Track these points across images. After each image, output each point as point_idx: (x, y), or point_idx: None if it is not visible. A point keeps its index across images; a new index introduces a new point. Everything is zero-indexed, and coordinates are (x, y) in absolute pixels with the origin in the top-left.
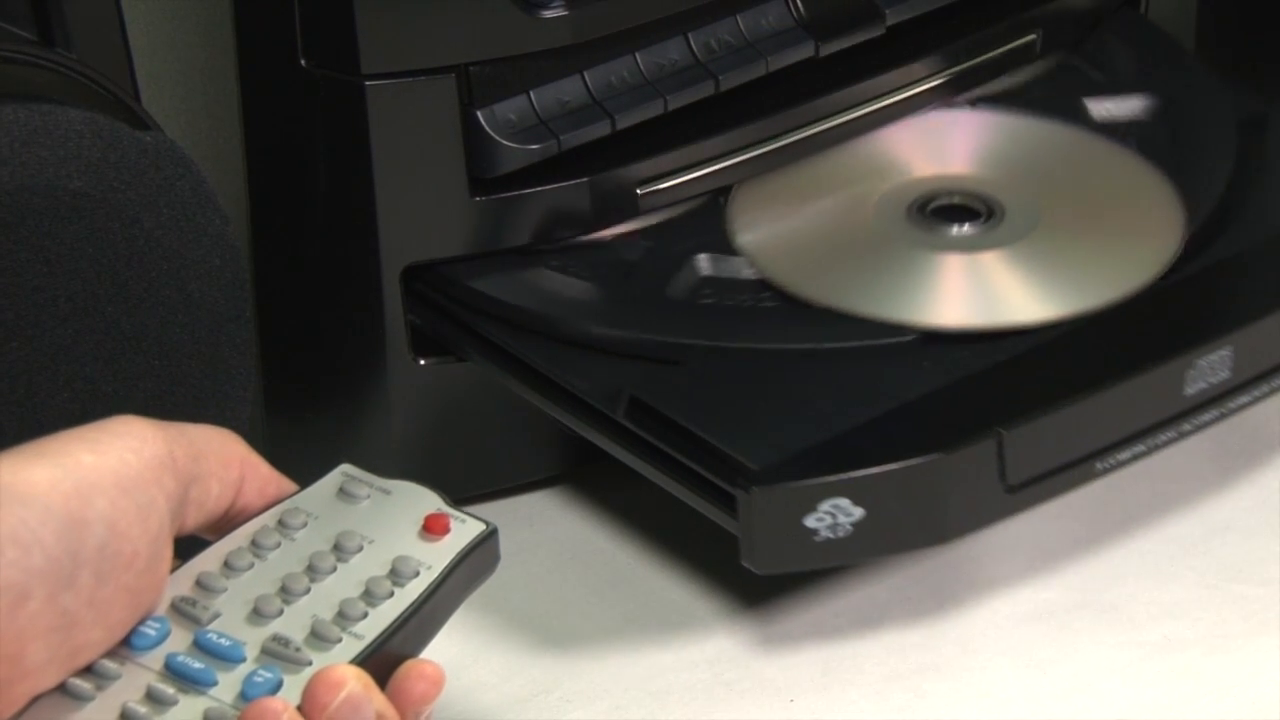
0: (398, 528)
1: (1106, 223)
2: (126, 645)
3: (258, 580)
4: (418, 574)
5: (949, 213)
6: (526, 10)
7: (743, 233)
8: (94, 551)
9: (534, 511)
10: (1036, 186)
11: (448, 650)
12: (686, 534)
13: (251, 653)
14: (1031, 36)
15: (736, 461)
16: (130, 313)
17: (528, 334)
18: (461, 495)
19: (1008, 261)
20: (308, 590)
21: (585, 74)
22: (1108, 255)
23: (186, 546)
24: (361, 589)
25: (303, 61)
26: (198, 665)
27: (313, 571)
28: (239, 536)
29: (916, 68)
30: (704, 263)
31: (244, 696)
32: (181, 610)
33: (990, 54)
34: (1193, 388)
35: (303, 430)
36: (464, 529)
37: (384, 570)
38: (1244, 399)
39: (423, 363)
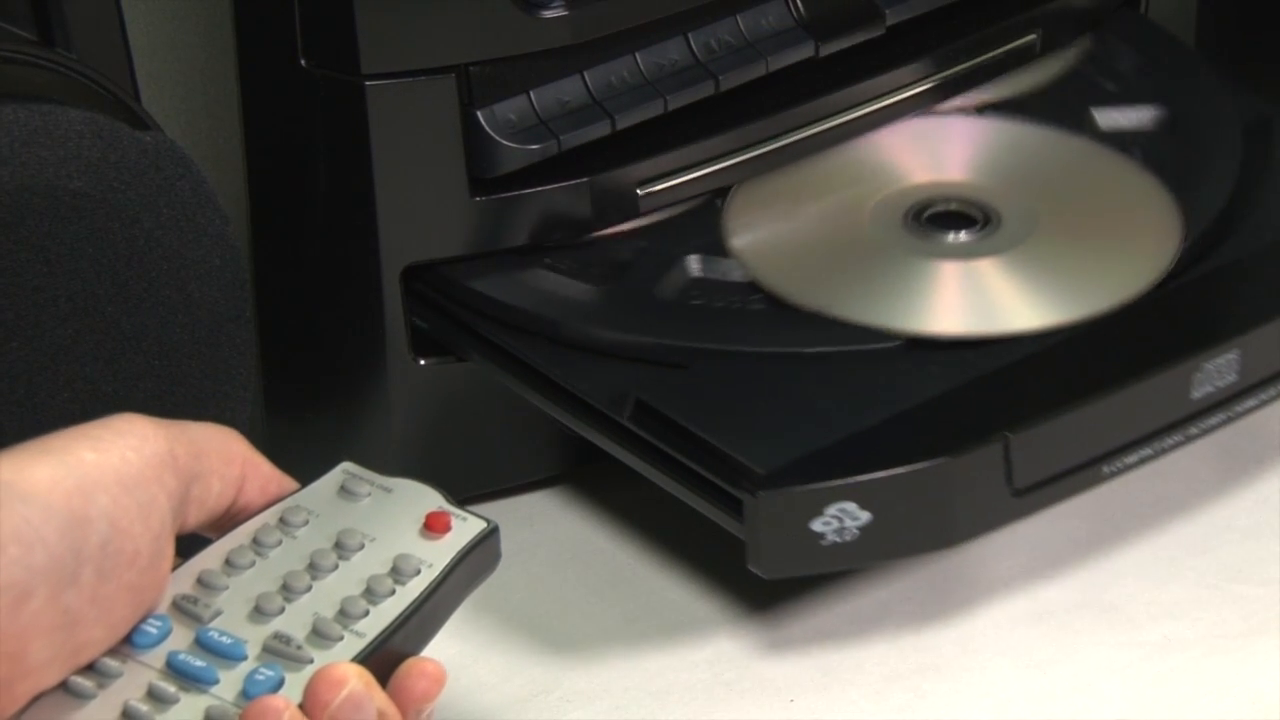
0: (399, 526)
1: (1102, 230)
2: (128, 643)
3: (259, 578)
4: (419, 572)
5: (945, 220)
6: (526, 10)
7: (737, 236)
8: (96, 549)
9: (534, 511)
10: (1032, 193)
11: (448, 650)
12: (687, 534)
13: (253, 651)
14: (1031, 36)
15: (743, 465)
16: (130, 313)
17: (531, 336)
18: (461, 495)
19: (1003, 269)
20: (309, 588)
21: (585, 74)
22: (1103, 263)
23: (188, 545)
24: (363, 587)
25: (303, 61)
26: (199, 663)
27: (314, 569)
28: (240, 534)
29: (916, 68)
30: (694, 264)
31: (245, 695)
32: (183, 608)
33: (990, 54)
34: (1199, 391)
35: (303, 430)
36: (465, 527)
37: (385, 568)
38: (1251, 403)
39: (423, 363)
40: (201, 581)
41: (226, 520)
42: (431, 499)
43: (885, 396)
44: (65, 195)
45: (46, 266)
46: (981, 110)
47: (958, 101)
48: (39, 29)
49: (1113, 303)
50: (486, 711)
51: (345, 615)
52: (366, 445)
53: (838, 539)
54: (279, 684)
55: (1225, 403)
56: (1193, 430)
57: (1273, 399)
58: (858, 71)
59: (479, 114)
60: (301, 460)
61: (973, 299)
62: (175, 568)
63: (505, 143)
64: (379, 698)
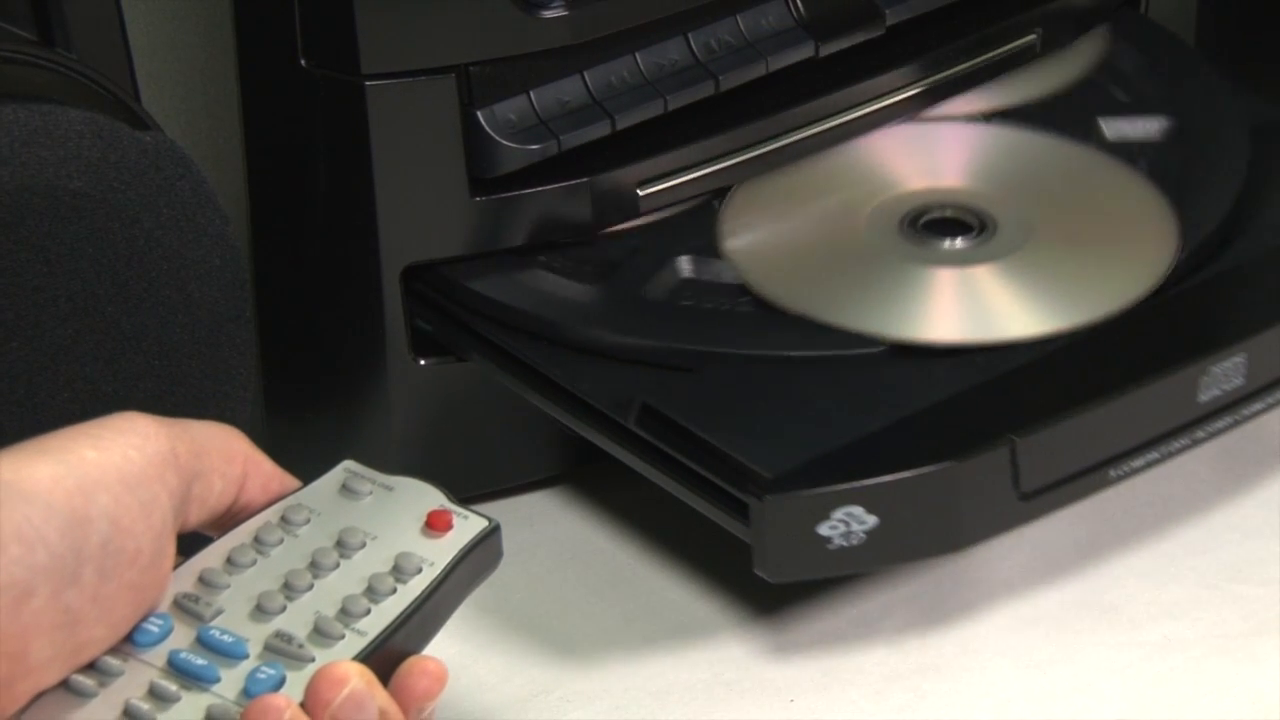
0: (400, 524)
1: (1099, 237)
2: (129, 642)
3: (260, 577)
4: (420, 570)
5: (941, 226)
6: (526, 10)
7: (732, 238)
8: (97, 548)
9: (534, 511)
10: (1029, 200)
11: (448, 650)
12: (687, 534)
13: (254, 649)
14: (1031, 37)
15: (749, 469)
16: (130, 313)
17: (534, 338)
18: (461, 495)
19: (999, 276)
20: (310, 587)
21: (585, 74)
22: (1099, 270)
23: (189, 543)
24: (364, 585)
25: (303, 61)
26: (200, 662)
27: (315, 568)
28: (242, 533)
29: (916, 68)
30: (685, 265)
31: (247, 693)
32: (184, 607)
33: (990, 54)
34: (1206, 395)
35: (303, 430)
36: (466, 525)
37: (387, 567)
38: (1257, 406)
39: (423, 363)
40: (203, 580)
41: (228, 519)
42: (433, 497)
43: (892, 400)
44: (65, 195)
45: (46, 266)
46: (989, 118)
47: (964, 107)
48: (39, 29)
49: (1109, 310)
50: (486, 711)
51: (347, 614)
52: (366, 445)
53: (844, 543)
54: (280, 682)
55: (1232, 406)
56: (1199, 434)
57: (1279, 402)
58: (858, 71)
59: (479, 114)
60: (301, 460)
61: (968, 306)
62: (176, 566)
63: (505, 143)
64: (380, 696)
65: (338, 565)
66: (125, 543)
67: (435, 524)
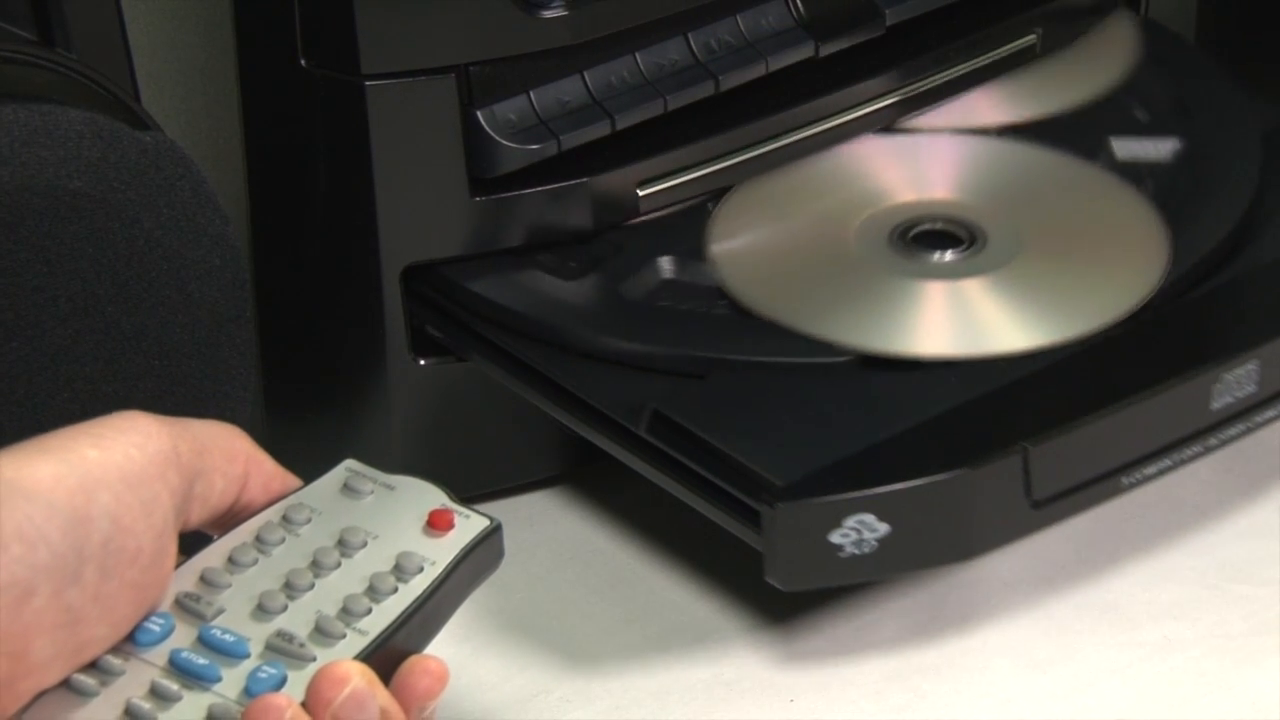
0: (402, 523)
1: (1089, 250)
2: (131, 641)
3: (262, 576)
4: (422, 569)
5: (930, 239)
6: (526, 10)
7: (718, 243)
8: (99, 547)
9: (534, 511)
10: (1019, 213)
11: (449, 650)
12: (687, 534)
13: (256, 648)
14: (1031, 37)
15: (761, 477)
16: (130, 313)
17: (541, 343)
18: (462, 495)
19: (989, 289)
20: (312, 586)
21: (585, 74)
22: (1091, 283)
23: (190, 542)
24: (365, 585)
25: (303, 61)
26: (202, 661)
27: (317, 567)
28: (243, 532)
29: (916, 68)
30: (666, 266)
31: (248, 692)
32: (186, 606)
33: (990, 54)
34: (1219, 402)
35: (303, 430)
36: (468, 524)
37: (388, 566)
38: (1270, 413)
39: (423, 363)
40: (204, 579)
41: (229, 518)
42: (434, 497)
43: (904, 408)
44: (65, 195)
45: (46, 266)
46: (1001, 133)
47: (979, 120)
48: (39, 29)
49: (1099, 324)
50: (486, 711)
51: (348, 613)
52: (366, 445)
53: (856, 551)
54: (281, 682)
55: (1245, 413)
56: (1212, 441)
57: None
58: (858, 72)
59: (479, 114)
60: (302, 460)
61: (958, 319)
62: (178, 565)
63: (505, 143)
64: (382, 696)
65: (339, 564)
66: (127, 541)
67: (437, 523)
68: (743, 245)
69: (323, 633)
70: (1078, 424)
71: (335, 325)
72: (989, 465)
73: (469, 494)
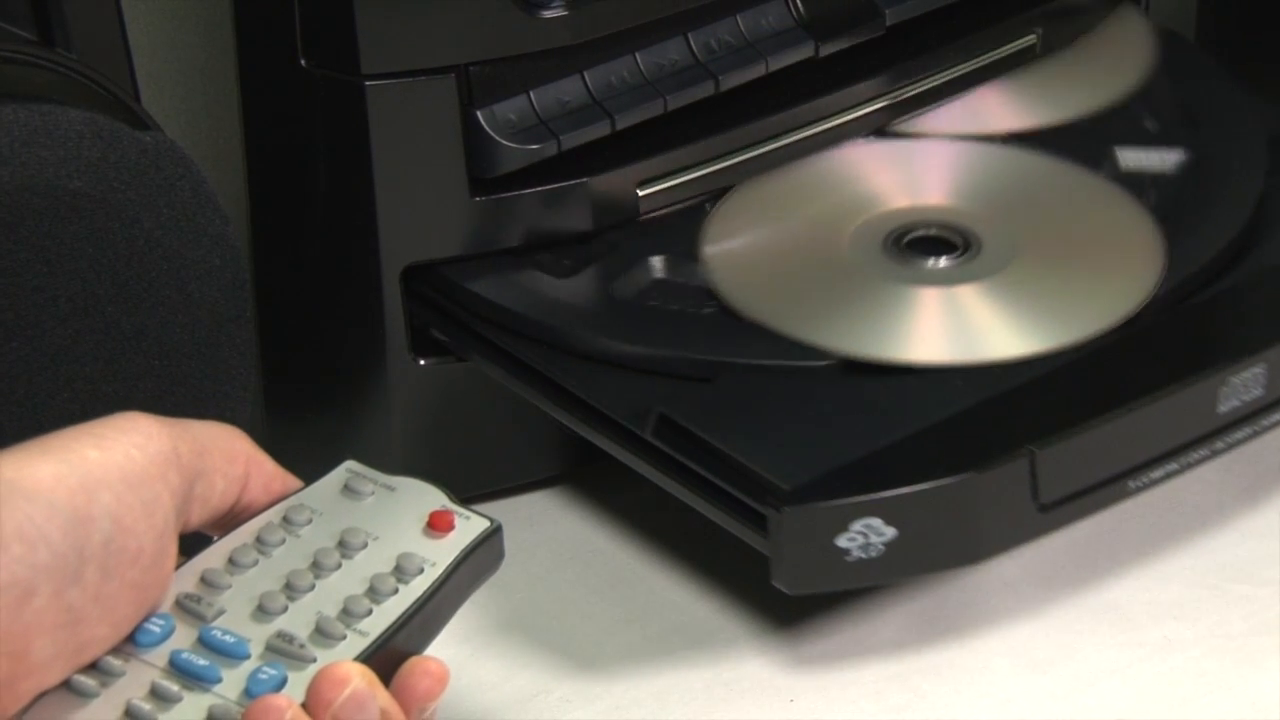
0: (402, 524)
1: (1084, 256)
2: (131, 642)
3: (262, 577)
4: (422, 570)
5: (925, 245)
6: (526, 10)
7: (711, 244)
8: (99, 547)
9: (534, 511)
10: (1014, 219)
11: (449, 650)
12: (687, 535)
13: (256, 649)
14: (1031, 37)
15: (767, 481)
16: (130, 313)
17: (543, 346)
18: (462, 495)
19: (984, 295)
20: (312, 587)
21: (585, 74)
22: (1085, 289)
23: (191, 543)
24: (366, 586)
25: (303, 61)
26: (202, 662)
27: (317, 568)
28: (243, 533)
29: (916, 68)
30: (658, 266)
31: (248, 693)
32: (186, 607)
33: (990, 54)
34: (1226, 405)
35: (303, 430)
36: (468, 525)
37: (388, 567)
38: (1277, 416)
39: (423, 363)
40: (205, 580)
41: (230, 519)
42: (435, 498)
43: (910, 412)
44: (65, 195)
45: (46, 266)
46: (1007, 140)
47: (986, 127)
48: (39, 29)
49: (1094, 330)
50: (486, 711)
51: (348, 614)
52: (366, 445)
53: (863, 555)
54: (282, 683)
55: (1251, 417)
56: (1219, 445)
57: None
58: (858, 72)
59: (479, 114)
60: (302, 460)
61: (953, 326)
62: (178, 566)
63: (505, 143)
64: (382, 697)
65: (339, 565)
66: (127, 542)
67: (437, 524)
68: (737, 248)
69: (323, 634)
70: (1085, 427)
71: (335, 325)
72: (996, 469)
73: (469, 494)
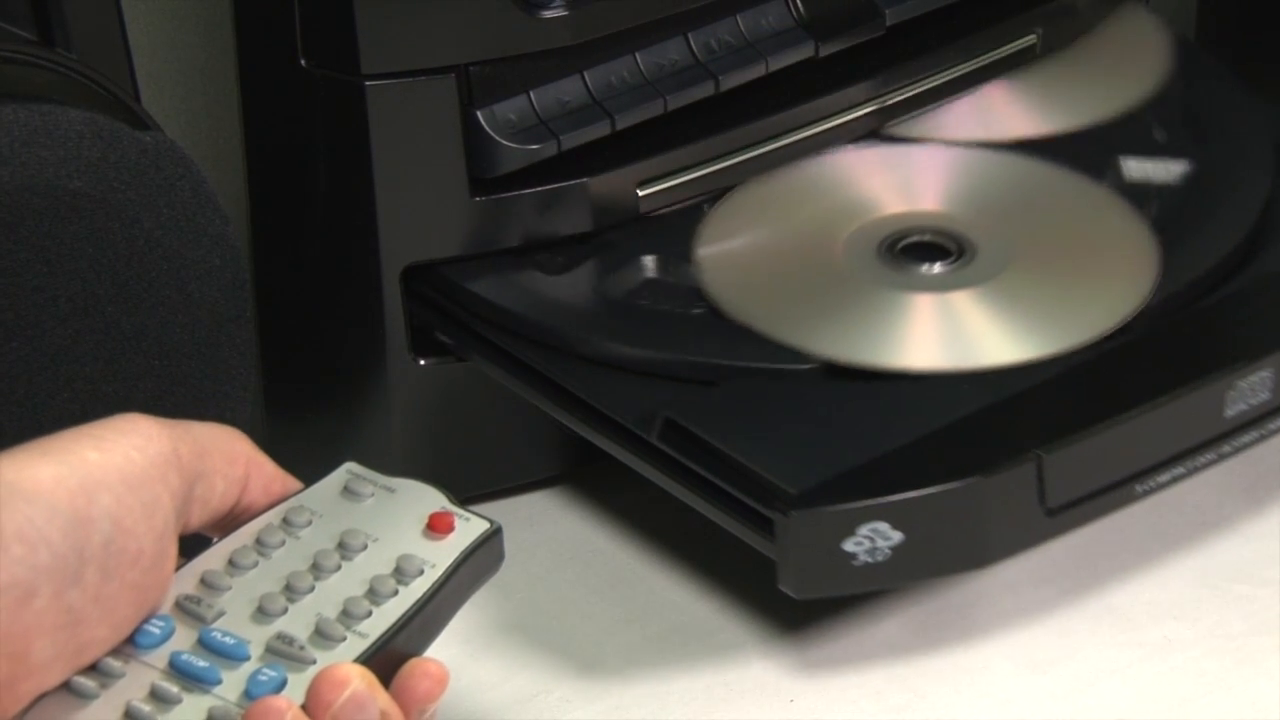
0: (402, 526)
1: (1079, 262)
2: (131, 643)
3: (262, 579)
4: (422, 572)
5: (919, 251)
6: (526, 10)
7: (705, 247)
8: (99, 548)
9: (534, 511)
10: (1008, 225)
11: (449, 650)
12: (687, 535)
13: (256, 651)
14: (1031, 37)
15: (774, 485)
16: (130, 313)
17: (541, 346)
18: (461, 495)
19: (978, 301)
20: (312, 588)
21: (585, 74)
22: (1080, 295)
23: (191, 545)
24: (366, 587)
25: (303, 61)
26: (202, 663)
27: (317, 570)
28: (243, 535)
29: (916, 68)
30: (649, 265)
31: (248, 695)
32: (186, 608)
33: (990, 54)
34: (1233, 409)
35: (303, 430)
36: (468, 527)
37: (388, 568)
38: None
39: (423, 363)
40: (205, 582)
41: (230, 520)
42: (435, 499)
43: (917, 416)
44: (65, 195)
45: (46, 266)
46: (1012, 148)
47: (997, 136)
48: (39, 29)
49: (1088, 337)
50: (486, 711)
51: (348, 616)
52: (366, 445)
53: (870, 559)
54: (282, 684)
55: (1258, 420)
56: (1226, 448)
57: None
58: (858, 72)
59: (479, 114)
60: (301, 460)
61: (946, 332)
62: (178, 568)
63: (505, 143)
64: (382, 698)
65: (339, 567)
66: (127, 543)
67: (437, 526)
68: (731, 251)
69: (323, 635)
70: (1092, 431)
71: (335, 325)
72: (1003, 473)
73: (469, 494)
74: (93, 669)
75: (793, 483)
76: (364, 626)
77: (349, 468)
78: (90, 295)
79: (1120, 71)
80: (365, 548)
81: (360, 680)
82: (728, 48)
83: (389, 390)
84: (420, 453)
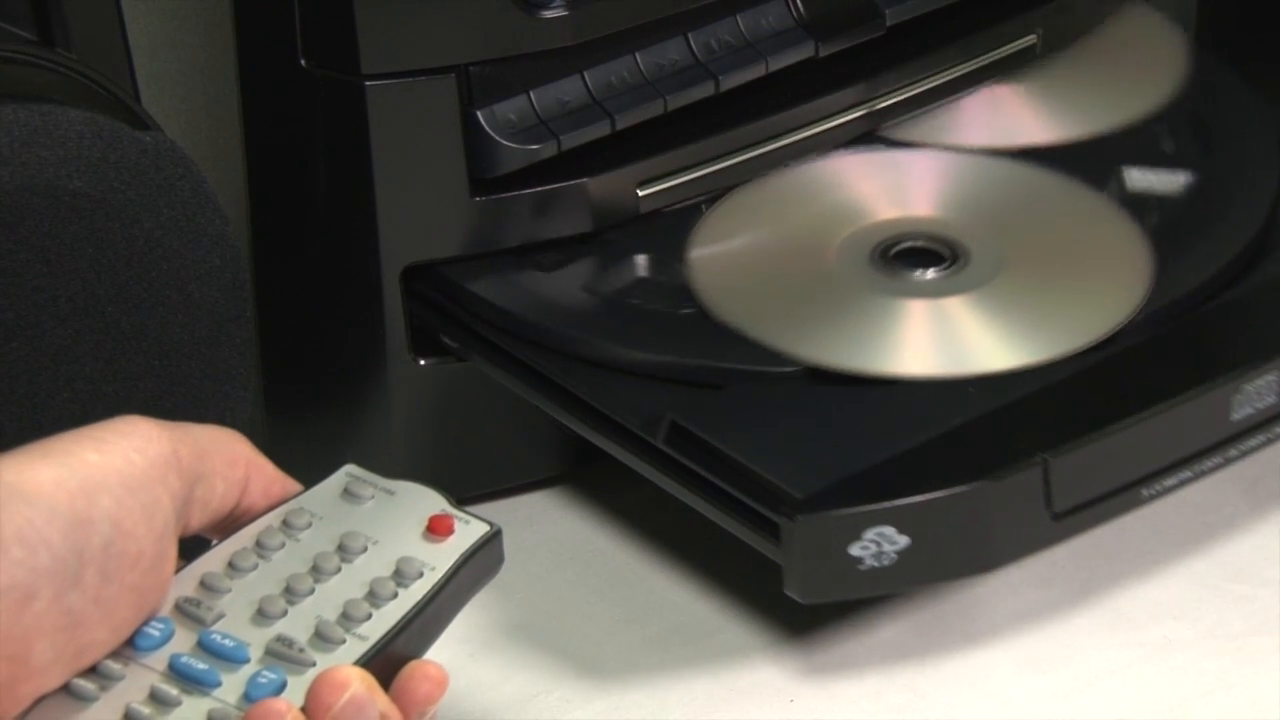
0: (402, 528)
1: (1072, 268)
2: (131, 646)
3: (262, 581)
4: (422, 575)
5: (912, 257)
6: (526, 10)
7: (699, 248)
8: (99, 550)
9: (534, 511)
10: (1002, 230)
11: (448, 650)
12: (687, 535)
13: (255, 653)
14: (1032, 37)
15: (780, 489)
16: (130, 313)
17: (540, 347)
18: (461, 495)
19: (971, 307)
20: (312, 591)
21: (585, 74)
22: (1074, 300)
23: (191, 547)
24: (365, 590)
25: (303, 61)
26: (201, 666)
27: (317, 572)
28: (243, 537)
29: (916, 68)
30: (641, 265)
31: (248, 697)
32: (186, 611)
33: (990, 54)
34: (1239, 413)
35: (303, 430)
36: (468, 530)
37: (388, 571)
38: None
39: (423, 363)
40: (204, 584)
41: (229, 522)
42: (435, 502)
43: (923, 420)
44: (65, 195)
45: (46, 266)
46: (1016, 156)
47: (1000, 143)
48: (39, 29)
49: (1082, 343)
50: (486, 712)
51: (348, 618)
52: (366, 445)
53: (876, 563)
54: (281, 687)
55: (1265, 424)
56: (1232, 452)
57: None
58: (858, 72)
59: (479, 114)
60: (301, 460)
61: (939, 338)
62: (178, 570)
63: (505, 143)
64: (381, 701)
65: (339, 569)
66: (127, 545)
67: (437, 529)
68: (724, 254)
69: (322, 638)
70: (1098, 436)
71: (335, 325)
72: (1009, 477)
73: (469, 494)
74: (92, 671)
75: (799, 487)
76: (364, 629)
77: (349, 470)
78: (90, 295)
79: (1129, 77)
80: (365, 550)
81: (360, 683)
82: (728, 48)
83: (389, 390)
84: (420, 453)
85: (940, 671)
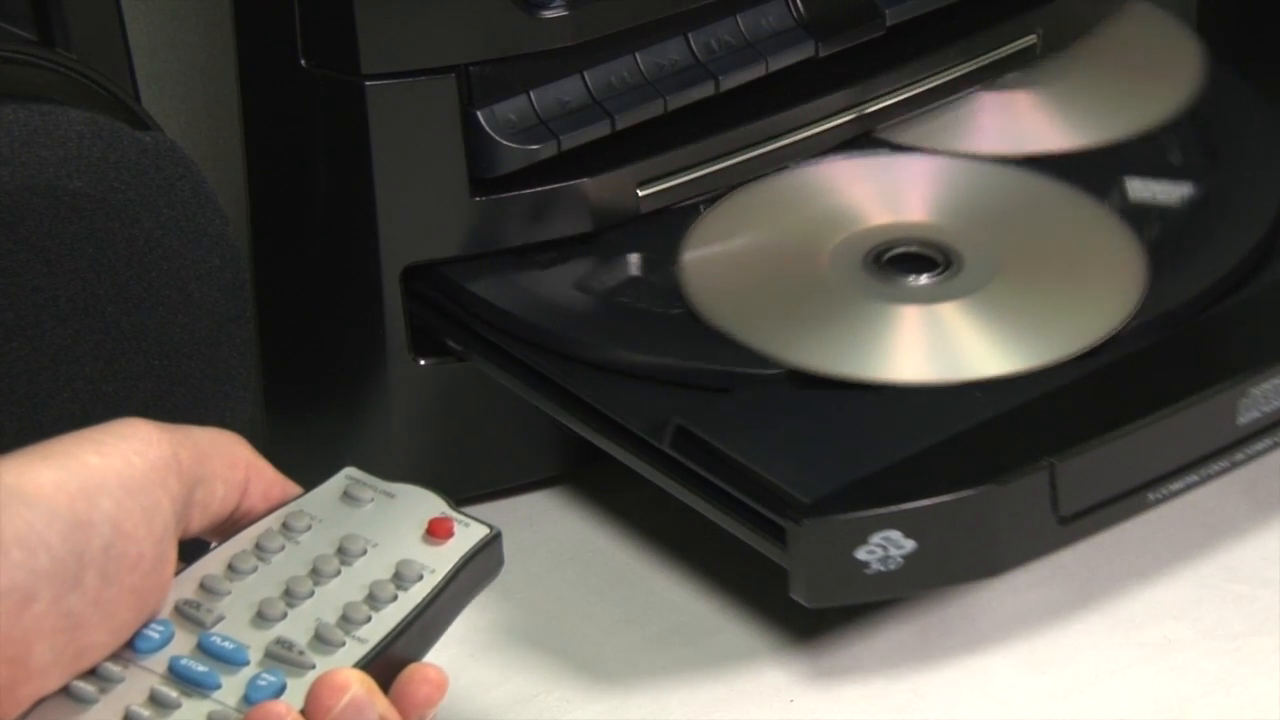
0: (401, 531)
1: (1066, 273)
2: (130, 648)
3: (261, 583)
4: (421, 577)
5: (905, 262)
6: (526, 10)
7: (692, 250)
8: (99, 553)
9: (534, 511)
10: (995, 236)
11: (447, 651)
12: (687, 535)
13: (255, 656)
14: (1032, 37)
15: (786, 493)
16: (130, 313)
17: (539, 348)
18: (461, 495)
19: (965, 313)
20: (311, 593)
21: (585, 74)
22: (1068, 306)
23: (190, 549)
24: (365, 592)
25: (303, 61)
26: (201, 668)
27: (316, 575)
28: (243, 539)
29: (916, 68)
30: (634, 265)
31: (247, 700)
32: (185, 613)
33: (990, 55)
34: (1246, 417)
35: (303, 431)
36: (468, 532)
37: (388, 574)
38: None
39: (423, 363)
40: (204, 586)
41: (229, 525)
42: (434, 504)
43: (929, 424)
44: (65, 195)
45: (46, 266)
46: (1021, 164)
47: (1002, 150)
48: (39, 29)
49: (1076, 348)
50: (485, 712)
51: (347, 621)
52: (366, 446)
53: (882, 568)
54: (281, 689)
55: (1272, 428)
56: (1239, 456)
57: None
58: (858, 72)
59: (479, 114)
60: (301, 461)
61: (932, 344)
62: (178, 573)
63: (505, 143)
64: (381, 703)
65: (339, 572)
66: (127, 547)
67: (436, 531)
68: (716, 258)
69: (322, 640)
70: (1105, 440)
71: (335, 325)
72: (1016, 481)
73: (468, 494)
74: (92, 673)
75: (805, 491)
76: (363, 631)
77: (348, 473)
78: (90, 295)
79: (1134, 82)
80: (365, 553)
81: (359, 685)
82: (728, 48)
83: (389, 390)
84: (420, 453)
85: (940, 671)
